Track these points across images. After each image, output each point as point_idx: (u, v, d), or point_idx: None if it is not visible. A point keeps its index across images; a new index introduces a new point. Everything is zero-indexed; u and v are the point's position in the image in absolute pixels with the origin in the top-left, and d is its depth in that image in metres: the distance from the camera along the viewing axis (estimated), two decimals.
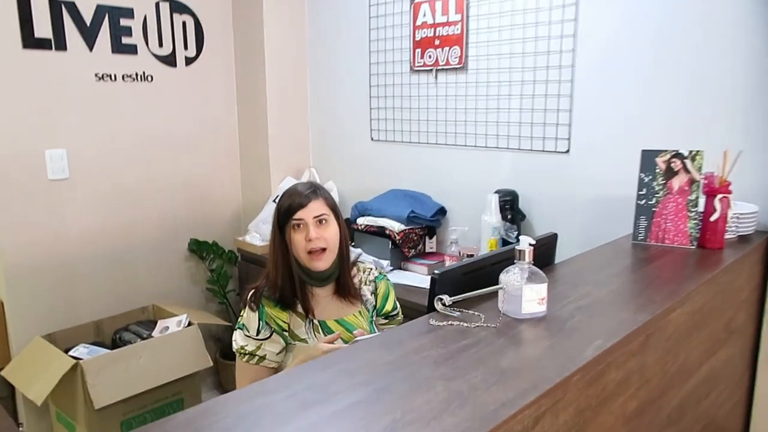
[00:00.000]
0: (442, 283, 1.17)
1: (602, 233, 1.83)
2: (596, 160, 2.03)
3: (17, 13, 2.26)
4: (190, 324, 2.46)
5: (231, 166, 3.06)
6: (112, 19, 2.52)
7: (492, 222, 2.13)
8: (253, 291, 1.55)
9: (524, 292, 1.09)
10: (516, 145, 2.23)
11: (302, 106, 3.00)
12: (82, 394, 2.12)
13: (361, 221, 2.49)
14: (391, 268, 2.38)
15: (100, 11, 2.48)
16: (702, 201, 1.58)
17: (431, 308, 1.14)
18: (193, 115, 2.87)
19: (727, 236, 1.59)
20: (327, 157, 3.00)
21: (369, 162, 2.79)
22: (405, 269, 2.41)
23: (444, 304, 1.12)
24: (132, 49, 2.60)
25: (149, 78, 2.67)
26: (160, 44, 2.69)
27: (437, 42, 2.39)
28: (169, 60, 2.74)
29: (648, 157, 1.63)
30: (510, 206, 2.17)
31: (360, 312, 1.59)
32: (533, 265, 1.12)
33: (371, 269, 1.67)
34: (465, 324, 1.07)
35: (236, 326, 1.55)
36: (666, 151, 1.60)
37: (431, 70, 2.44)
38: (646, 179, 1.63)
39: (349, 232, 2.45)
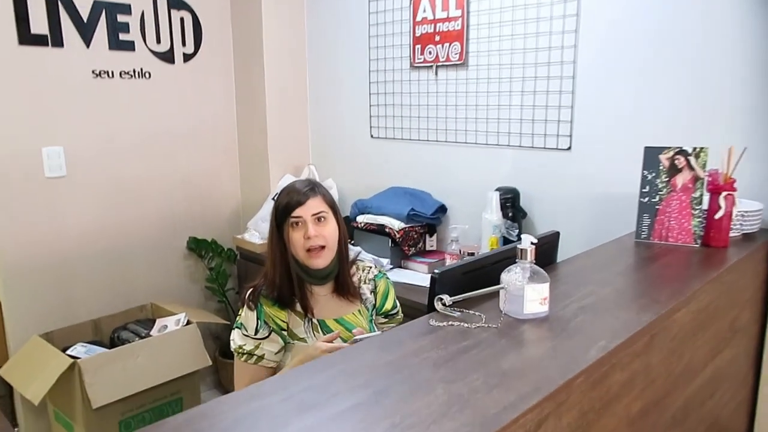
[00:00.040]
0: (442, 283, 1.15)
1: (604, 231, 1.81)
2: (598, 157, 2.00)
3: (13, 9, 2.24)
4: (188, 323, 2.44)
5: (230, 164, 3.04)
6: (109, 15, 2.49)
7: (493, 220, 2.11)
8: (251, 290, 1.53)
9: (526, 292, 1.07)
10: (517, 142, 2.20)
11: (301, 102, 2.98)
12: (80, 394, 2.10)
13: (361, 219, 2.48)
14: (391, 266, 2.36)
15: (97, 7, 2.46)
16: (706, 198, 1.56)
17: (431, 308, 1.12)
18: (192, 112, 2.84)
19: (731, 234, 1.57)
20: (326, 154, 2.98)
21: (369, 159, 2.77)
22: (405, 267, 2.39)
23: (444, 304, 1.10)
24: (129, 46, 2.58)
25: (147, 75, 2.65)
26: (158, 41, 2.67)
27: (437, 38, 2.36)
28: (167, 57, 2.71)
29: (651, 154, 1.60)
30: (511, 204, 2.15)
31: (359, 311, 1.58)
32: (535, 264, 1.10)
33: (370, 267, 1.65)
34: (465, 324, 1.05)
35: (234, 325, 1.54)
36: (670, 148, 1.58)
37: (431, 66, 2.42)
38: (650, 177, 1.61)
39: (349, 230, 2.43)
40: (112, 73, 2.54)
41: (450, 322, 1.06)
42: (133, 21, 2.58)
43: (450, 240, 2.24)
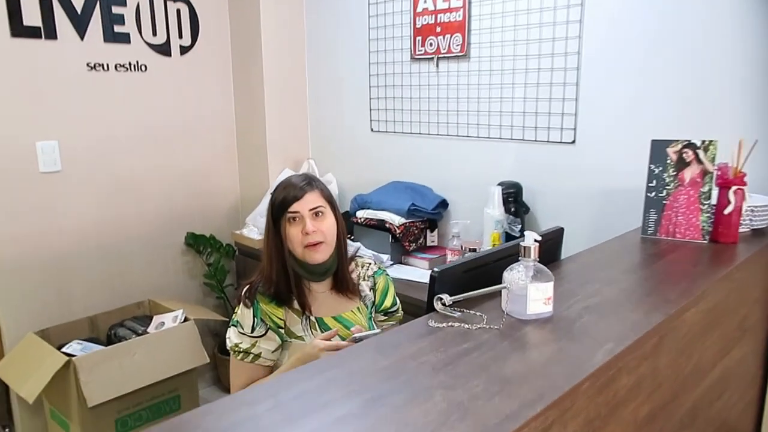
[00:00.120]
0: (441, 282, 1.10)
1: (610, 227, 1.77)
2: (603, 150, 1.96)
3: (5, 1, 2.19)
4: (186, 319, 2.41)
5: (228, 158, 3.00)
6: (103, 6, 2.45)
7: (495, 215, 2.07)
8: (247, 287, 1.50)
9: (529, 292, 1.02)
10: (520, 135, 2.16)
11: (300, 96, 2.93)
12: (76, 392, 2.08)
13: (361, 214, 2.44)
14: (392, 262, 2.32)
15: None
16: (715, 193, 1.51)
17: (430, 308, 1.08)
18: (189, 106, 2.80)
19: (740, 230, 1.52)
20: (326, 148, 2.94)
21: (369, 153, 2.72)
22: (405, 263, 2.35)
23: (444, 304, 1.06)
24: (125, 38, 2.53)
25: (143, 68, 2.61)
26: (154, 33, 2.62)
27: (438, 29, 2.31)
28: (164, 49, 2.67)
29: (658, 148, 1.56)
30: (513, 199, 2.11)
31: (358, 308, 1.55)
32: (539, 262, 1.05)
33: (370, 264, 1.62)
34: (466, 325, 1.01)
35: (230, 323, 1.50)
36: (677, 140, 1.53)
37: (432, 58, 2.37)
38: (657, 171, 1.56)
39: (349, 226, 2.39)
40: (108, 66, 2.50)
41: (450, 323, 1.02)
42: (128, 13, 2.53)
43: (451, 235, 2.20)
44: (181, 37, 2.72)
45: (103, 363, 2.11)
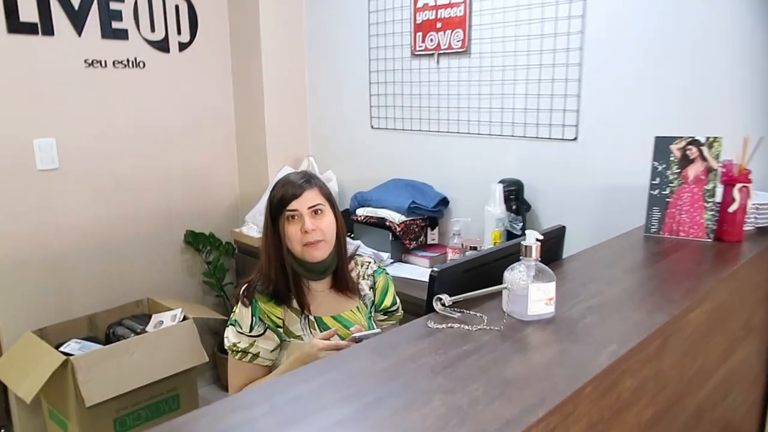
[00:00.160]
0: (441, 281, 1.08)
1: (612, 225, 1.74)
2: (606, 147, 1.93)
3: None
4: (185, 318, 2.40)
5: (227, 156, 2.98)
6: (101, 2, 2.42)
7: (496, 213, 2.05)
8: (245, 285, 1.49)
9: (530, 292, 1.00)
10: (521, 132, 2.13)
11: (300, 93, 2.91)
12: (73, 392, 2.06)
13: (361, 212, 2.42)
14: (392, 260, 2.30)
15: None
16: (719, 191, 1.49)
17: (430, 309, 1.06)
18: (188, 103, 2.78)
19: (745, 228, 1.50)
20: (326, 145, 2.92)
21: (369, 151, 2.70)
22: (406, 262, 2.33)
23: (443, 305, 1.04)
24: (123, 35, 2.51)
25: (141, 64, 2.58)
26: (152, 29, 2.60)
27: (439, 25, 2.29)
28: (162, 45, 2.64)
29: (662, 144, 1.53)
30: (515, 196, 2.09)
31: (358, 307, 1.53)
32: (540, 261, 1.03)
33: (369, 263, 1.60)
34: (466, 327, 0.99)
35: (228, 322, 1.49)
36: (681, 137, 1.51)
37: (433, 54, 2.34)
38: (660, 168, 1.54)
39: (349, 224, 2.37)
40: (105, 62, 2.48)
41: (449, 324, 1.00)
42: (126, 8, 2.50)
43: (452, 233, 2.18)
44: (179, 33, 2.69)
45: (102, 362, 2.10)
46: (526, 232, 1.04)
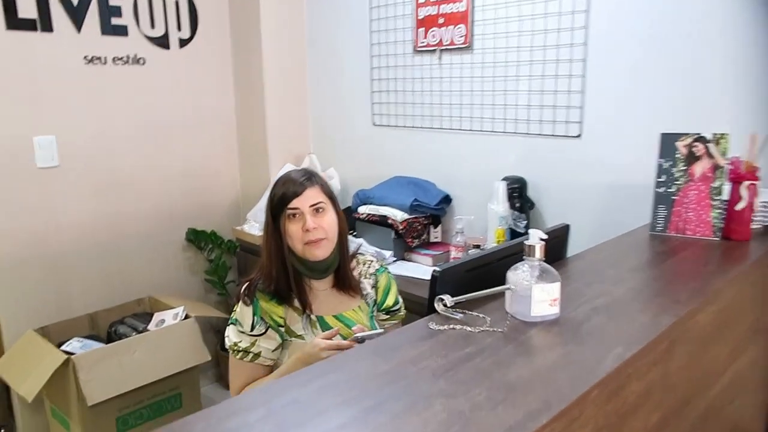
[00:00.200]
0: (443, 281, 1.07)
1: (617, 223, 1.72)
2: (610, 144, 1.91)
3: None
4: (187, 317, 2.38)
5: (228, 153, 2.96)
6: None
7: (499, 211, 2.03)
8: (246, 284, 1.47)
9: (534, 293, 0.98)
10: (525, 129, 2.11)
11: (301, 89, 2.89)
12: (75, 390, 2.05)
13: (363, 210, 2.40)
14: (394, 258, 2.29)
15: None
16: (727, 188, 1.47)
17: (431, 309, 1.04)
18: (189, 100, 2.76)
19: (752, 226, 1.47)
20: (327, 143, 2.90)
21: (371, 148, 2.68)
22: (408, 260, 2.31)
23: (445, 305, 1.02)
24: (122, 31, 2.49)
25: (141, 61, 2.57)
26: (152, 25, 2.58)
27: (441, 20, 2.26)
28: (162, 42, 2.63)
29: (668, 141, 1.51)
30: (518, 194, 2.07)
31: (360, 307, 1.51)
32: (544, 261, 1.01)
33: (371, 261, 1.59)
34: (468, 328, 0.97)
35: (229, 321, 1.47)
36: (687, 134, 1.48)
37: (435, 50, 2.32)
38: (666, 165, 1.51)
39: (351, 222, 2.36)
40: (105, 59, 2.46)
41: (451, 326, 0.98)
42: (125, 4, 2.48)
43: (455, 231, 2.16)
44: (179, 29, 2.67)
45: (103, 361, 2.09)
46: (530, 231, 1.02)
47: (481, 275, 1.11)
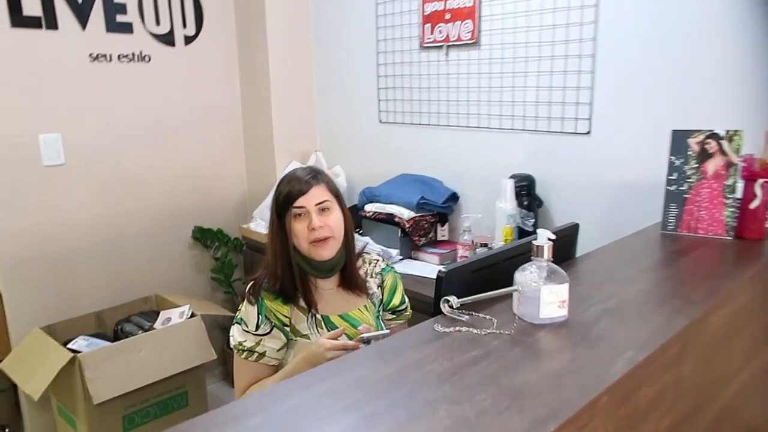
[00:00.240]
0: (449, 282, 1.04)
1: (627, 222, 1.69)
2: (620, 141, 1.87)
3: None
4: (193, 315, 2.38)
5: (234, 151, 2.95)
6: None
7: (507, 209, 2.00)
8: (251, 283, 1.46)
9: (542, 294, 0.96)
10: (533, 126, 2.08)
11: (307, 86, 2.87)
12: (81, 389, 2.05)
13: (369, 208, 2.38)
14: (401, 257, 2.27)
15: None
16: (740, 186, 1.43)
17: (437, 311, 1.02)
18: (194, 97, 2.75)
19: (767, 225, 1.44)
20: (333, 140, 2.88)
21: (377, 145, 2.66)
22: (415, 258, 2.29)
23: (451, 307, 1.00)
24: (127, 28, 2.48)
25: (146, 58, 2.56)
26: (158, 22, 2.57)
27: (448, 16, 2.23)
28: (167, 39, 2.61)
29: (679, 138, 1.47)
30: (526, 192, 2.04)
31: (365, 306, 1.50)
32: (552, 262, 0.99)
33: (377, 261, 1.57)
34: (474, 330, 0.94)
35: (234, 320, 1.46)
36: (700, 131, 1.45)
37: (442, 46, 2.29)
38: (677, 162, 1.48)
39: (357, 220, 2.34)
40: (110, 56, 2.45)
41: (457, 328, 0.96)
42: (130, 1, 2.47)
43: (462, 230, 2.14)
44: (185, 26, 2.66)
45: (109, 359, 2.08)
46: (538, 231, 1.00)
47: (488, 276, 1.08)
